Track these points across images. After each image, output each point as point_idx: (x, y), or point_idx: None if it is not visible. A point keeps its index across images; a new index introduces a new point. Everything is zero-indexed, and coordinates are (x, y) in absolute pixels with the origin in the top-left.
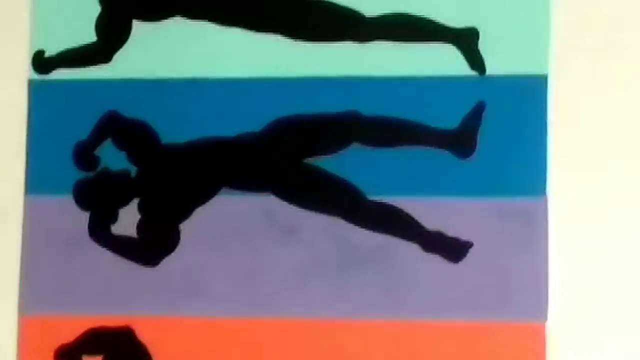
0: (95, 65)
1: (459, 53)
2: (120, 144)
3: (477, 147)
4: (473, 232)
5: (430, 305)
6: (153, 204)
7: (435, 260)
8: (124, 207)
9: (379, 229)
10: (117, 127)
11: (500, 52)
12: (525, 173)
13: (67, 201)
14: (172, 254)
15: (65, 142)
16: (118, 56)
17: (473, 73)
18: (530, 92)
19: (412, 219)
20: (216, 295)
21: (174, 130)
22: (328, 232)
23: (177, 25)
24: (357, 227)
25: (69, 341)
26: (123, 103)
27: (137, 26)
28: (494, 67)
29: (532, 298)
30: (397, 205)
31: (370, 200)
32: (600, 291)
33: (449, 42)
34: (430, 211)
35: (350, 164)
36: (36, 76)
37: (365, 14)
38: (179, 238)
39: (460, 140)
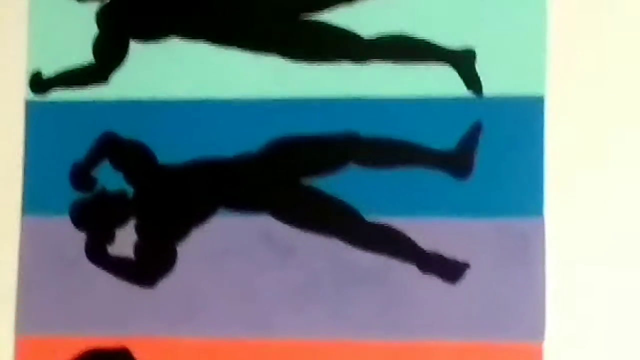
0: (93, 85)
1: (455, 73)
2: (117, 165)
3: (474, 167)
4: (470, 253)
5: (428, 326)
6: (150, 224)
7: (432, 281)
8: (121, 228)
9: (376, 249)
10: (114, 147)
11: (497, 73)
12: (522, 193)
13: (64, 222)
14: (169, 274)
15: (62, 163)
16: (115, 76)
17: (470, 94)
18: (527, 113)
19: (409, 239)
20: (213, 316)
21: (171, 150)
22: (325, 252)
23: (174, 46)
24: (354, 247)
25: None
26: (120, 123)
27: (135, 46)
28: (490, 87)
29: (530, 318)
30: (395, 226)
31: (367, 221)
32: (598, 312)
33: (446, 63)
34: (428, 231)
35: (347, 184)
36: (33, 97)
37: (362, 34)
38: (176, 258)
39: (458, 161)
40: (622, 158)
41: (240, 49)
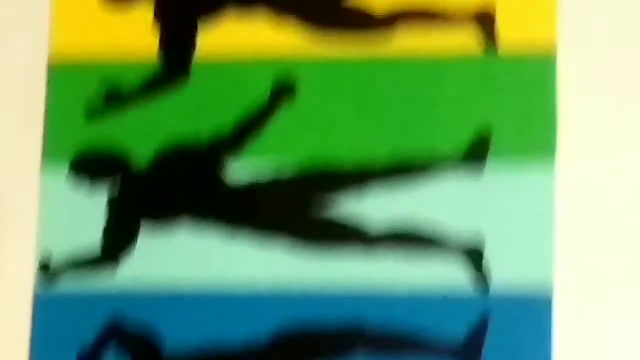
0: (102, 267)
1: (463, 267)
2: (124, 355)
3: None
4: None
5: None
6: None
7: None
8: None
9: None
10: (120, 338)
11: (505, 269)
12: None
13: None
14: None
15: (68, 353)
16: (122, 266)
17: (477, 289)
18: (534, 308)
19: None
20: None
21: (178, 339)
22: None
23: (182, 234)
24: None
25: None
26: (127, 313)
27: (144, 230)
28: (499, 278)
29: None
30: None
31: None
32: None
33: (454, 259)
34: None
35: None
36: (42, 286)
37: (370, 223)
38: None
39: (465, 355)
40: (630, 334)
41: (248, 233)
